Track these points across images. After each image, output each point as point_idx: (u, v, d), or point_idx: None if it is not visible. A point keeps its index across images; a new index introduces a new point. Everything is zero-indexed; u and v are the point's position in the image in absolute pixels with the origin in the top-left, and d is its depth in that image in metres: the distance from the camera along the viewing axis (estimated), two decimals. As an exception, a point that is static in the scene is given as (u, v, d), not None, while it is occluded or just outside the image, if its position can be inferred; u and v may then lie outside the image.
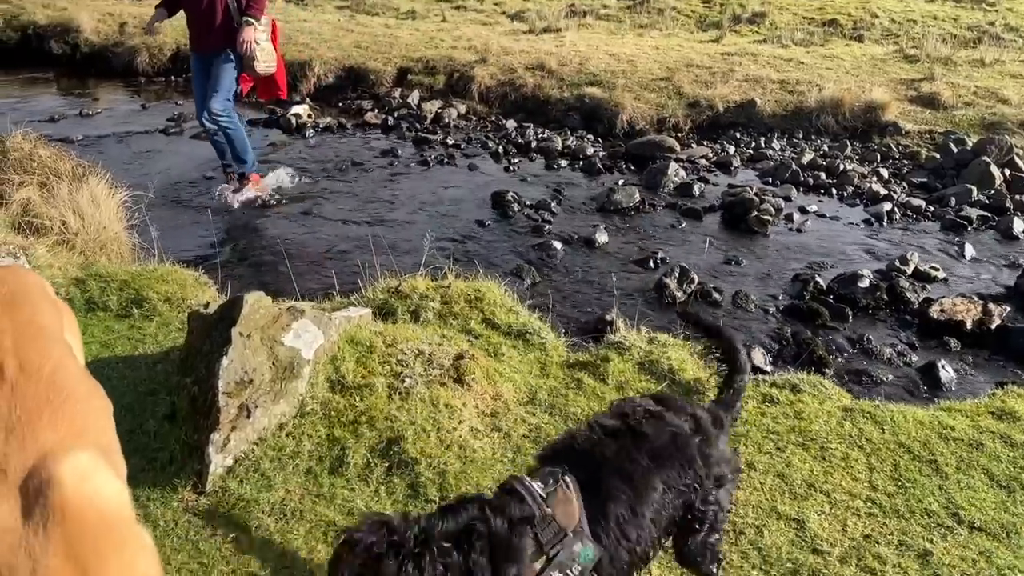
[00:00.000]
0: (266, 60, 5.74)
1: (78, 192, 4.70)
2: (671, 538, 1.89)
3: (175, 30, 10.43)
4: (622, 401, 1.97)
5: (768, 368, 3.96)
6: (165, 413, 2.77)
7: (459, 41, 10.37)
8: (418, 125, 8.50)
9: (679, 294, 4.80)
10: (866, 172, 7.36)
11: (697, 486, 1.81)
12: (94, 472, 1.35)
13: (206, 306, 2.95)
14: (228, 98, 5.77)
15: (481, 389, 2.94)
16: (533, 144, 7.99)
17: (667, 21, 13.22)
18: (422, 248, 4.44)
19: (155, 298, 3.50)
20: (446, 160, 7.48)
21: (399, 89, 9.33)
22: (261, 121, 8.41)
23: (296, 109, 8.53)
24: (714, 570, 1.96)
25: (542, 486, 1.65)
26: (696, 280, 4.91)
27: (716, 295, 4.82)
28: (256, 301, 2.80)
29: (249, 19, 5.53)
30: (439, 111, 8.81)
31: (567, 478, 1.67)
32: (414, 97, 9.13)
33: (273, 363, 2.72)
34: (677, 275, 4.92)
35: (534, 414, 2.92)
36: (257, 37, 5.61)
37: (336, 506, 2.45)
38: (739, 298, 4.83)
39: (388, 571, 1.39)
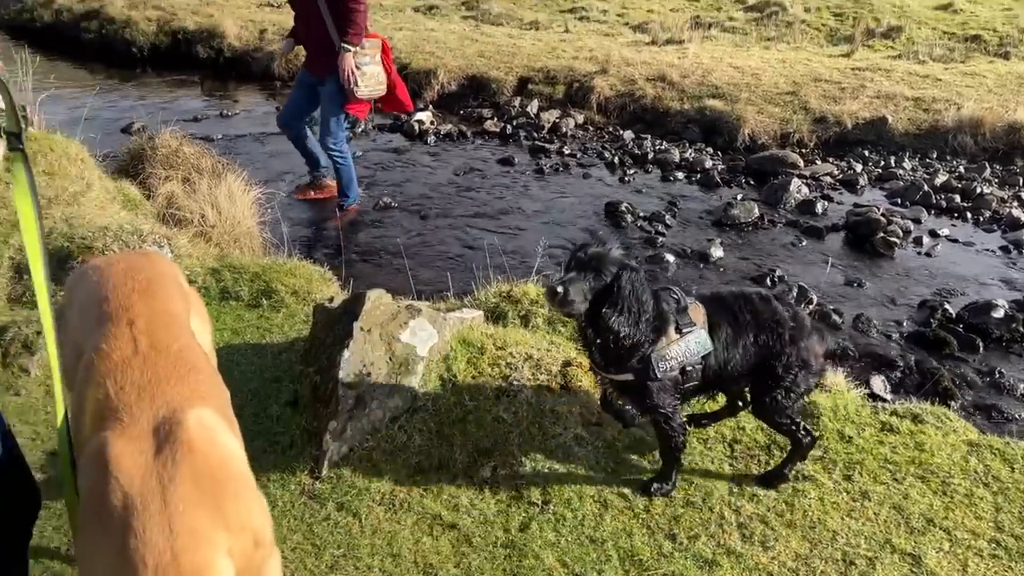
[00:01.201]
0: (368, 84, 5.49)
1: (217, 188, 5.02)
2: (750, 386, 2.61)
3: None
4: (747, 291, 2.65)
5: (888, 396, 3.80)
6: (288, 400, 2.92)
7: (580, 52, 10.42)
8: (536, 134, 8.59)
9: (795, 314, 4.66)
10: (1006, 196, 6.93)
11: (777, 351, 2.48)
12: (217, 425, 1.49)
13: (330, 300, 3.10)
14: (336, 130, 5.71)
15: (587, 398, 2.96)
16: (650, 155, 7.93)
17: (795, 34, 12.85)
18: (534, 255, 4.50)
19: (283, 290, 3.70)
20: (561, 169, 7.53)
21: (519, 98, 9.46)
22: (386, 126, 8.71)
23: (419, 116, 8.79)
24: (781, 421, 2.56)
25: (686, 295, 2.52)
26: (815, 301, 4.76)
27: (836, 317, 4.65)
28: (377, 298, 2.92)
29: (346, 46, 5.31)
30: (557, 120, 8.89)
31: (699, 302, 2.52)
32: (533, 106, 9.24)
33: (390, 358, 2.83)
34: (795, 294, 4.78)
35: (640, 427, 2.92)
36: (359, 61, 5.40)
37: (442, 501, 2.52)
38: (860, 322, 4.65)
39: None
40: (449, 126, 8.74)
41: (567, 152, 8.04)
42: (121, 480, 1.28)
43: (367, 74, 5.46)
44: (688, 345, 2.40)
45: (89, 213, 4.02)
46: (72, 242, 3.65)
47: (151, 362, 1.54)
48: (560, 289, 2.19)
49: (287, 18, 12.01)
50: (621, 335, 2.28)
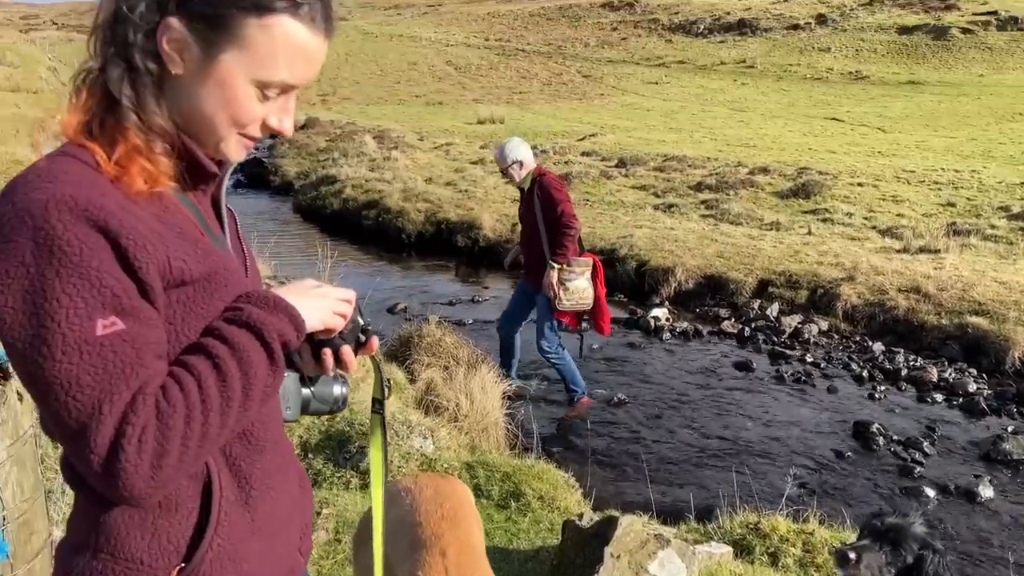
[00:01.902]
0: (571, 298, 5.86)
1: (471, 378, 5.40)
2: None
3: (557, 231, 11.78)
4: None
5: None
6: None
7: (824, 256, 10.27)
8: (775, 338, 8.44)
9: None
10: None
11: None
12: None
13: (580, 517, 3.17)
14: (550, 336, 6.11)
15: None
16: (903, 371, 7.46)
17: (1071, 245, 11.80)
18: (779, 476, 4.33)
19: (530, 494, 3.84)
20: (803, 378, 7.28)
21: (758, 300, 9.41)
22: (623, 320, 8.99)
23: (656, 312, 9.00)
24: None
25: None
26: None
27: None
28: (628, 524, 2.95)
29: (552, 263, 5.76)
30: (799, 326, 8.69)
31: None
32: (773, 309, 9.13)
33: (638, 588, 2.81)
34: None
35: None
36: (564, 277, 5.80)
37: None
38: None
39: None
40: (685, 324, 8.84)
41: (810, 360, 7.78)
42: None
43: (571, 288, 5.83)
44: None
45: (366, 399, 4.49)
46: (352, 427, 4.08)
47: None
48: (852, 555, 2.07)
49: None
50: None
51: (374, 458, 1.53)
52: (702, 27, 48.02)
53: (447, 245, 12.74)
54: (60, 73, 33.18)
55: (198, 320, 1.09)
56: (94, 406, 0.95)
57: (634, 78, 39.80)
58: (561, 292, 5.80)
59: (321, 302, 1.20)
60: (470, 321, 8.77)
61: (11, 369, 2.20)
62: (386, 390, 1.52)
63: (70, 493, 3.16)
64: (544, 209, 5.85)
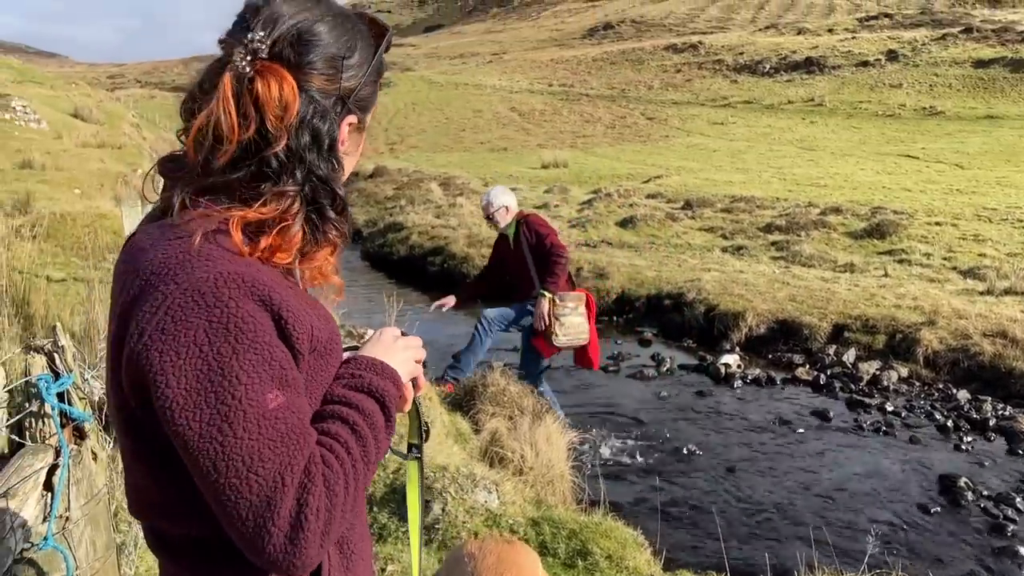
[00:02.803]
0: (568, 335, 5.86)
1: (536, 429, 5.32)
2: None
3: (621, 275, 11.68)
4: None
5: None
6: None
7: (903, 299, 9.89)
8: (852, 386, 8.12)
9: None
10: None
11: None
12: None
13: (649, 580, 3.04)
14: (533, 366, 6.26)
15: None
16: (991, 421, 7.07)
17: None
18: (858, 532, 4.11)
19: (598, 553, 3.72)
20: (883, 429, 6.96)
21: (833, 346, 9.10)
22: (691, 367, 8.79)
23: (726, 359, 8.77)
24: None
25: None
26: None
27: None
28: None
29: (543, 292, 5.79)
30: (877, 372, 8.35)
31: None
32: (849, 355, 8.81)
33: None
34: None
35: None
36: (558, 313, 5.79)
37: None
38: None
39: None
40: (757, 370, 8.59)
41: (890, 409, 7.45)
42: None
43: (566, 324, 5.85)
44: None
45: (431, 449, 4.45)
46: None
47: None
48: None
49: (601, 256, 13.00)
50: None
51: (412, 504, 1.52)
52: (768, 66, 47.66)
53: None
54: (142, 128, 34.88)
55: (321, 384, 1.13)
56: (276, 478, 0.96)
57: (699, 119, 39.63)
58: (557, 328, 5.80)
59: (405, 354, 1.27)
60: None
61: (87, 428, 2.24)
62: (424, 433, 1.52)
63: (142, 546, 3.19)
64: (534, 246, 5.98)
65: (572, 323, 5.91)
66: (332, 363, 1.15)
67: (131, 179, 19.32)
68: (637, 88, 49.08)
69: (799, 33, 55.74)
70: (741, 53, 51.40)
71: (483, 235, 14.78)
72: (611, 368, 8.73)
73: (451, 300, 6.54)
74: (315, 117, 1.11)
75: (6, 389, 1.89)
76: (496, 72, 59.35)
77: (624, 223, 16.09)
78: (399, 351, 1.26)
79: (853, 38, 50.19)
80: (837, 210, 15.99)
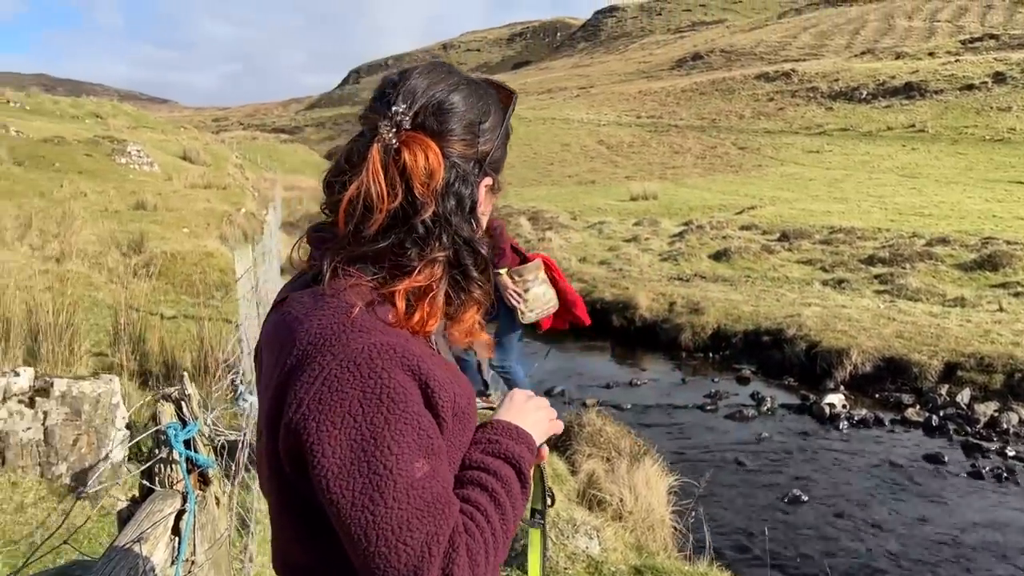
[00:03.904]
0: (534, 308, 5.48)
1: (635, 471, 5.22)
2: None
3: (717, 310, 11.43)
4: None
5: None
6: None
7: (1021, 336, 9.31)
8: (968, 428, 7.66)
9: None
10: None
11: None
12: None
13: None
14: (508, 349, 5.72)
15: None
16: None
17: None
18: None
19: (704, 606, 3.60)
20: (1005, 475, 6.53)
21: (945, 385, 8.62)
22: (793, 407, 8.49)
23: (830, 398, 8.43)
24: None
25: None
26: None
27: None
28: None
29: (497, 271, 5.32)
30: (995, 414, 7.86)
31: None
32: (964, 395, 8.32)
33: None
34: None
35: None
36: (516, 287, 5.43)
37: None
38: None
39: None
40: (864, 411, 8.21)
41: (1011, 454, 6.99)
42: None
43: (530, 298, 5.46)
44: None
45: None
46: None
47: None
48: None
49: (695, 291, 12.77)
50: None
51: (533, 572, 1.50)
52: (865, 93, 46.29)
53: (602, 325, 12.61)
54: (245, 169, 36.55)
55: (460, 448, 1.15)
56: (423, 547, 0.98)
57: (793, 148, 38.73)
58: (522, 305, 5.44)
59: (537, 415, 1.28)
60: (628, 405, 8.57)
61: (211, 474, 2.31)
62: (549, 499, 1.50)
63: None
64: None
65: (536, 295, 5.51)
66: (470, 427, 1.17)
67: (235, 218, 20.25)
68: (728, 118, 48.42)
69: (898, 58, 53.98)
70: (836, 80, 50.11)
71: (572, 269, 14.78)
72: (708, 407, 8.51)
73: None
74: (458, 182, 1.14)
75: (135, 441, 1.97)
76: (583, 106, 59.66)
77: (718, 256, 15.78)
78: (531, 413, 1.27)
79: (956, 61, 48.23)
80: (944, 241, 15.26)
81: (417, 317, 1.10)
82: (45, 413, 3.78)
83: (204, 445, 2.26)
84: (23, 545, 3.33)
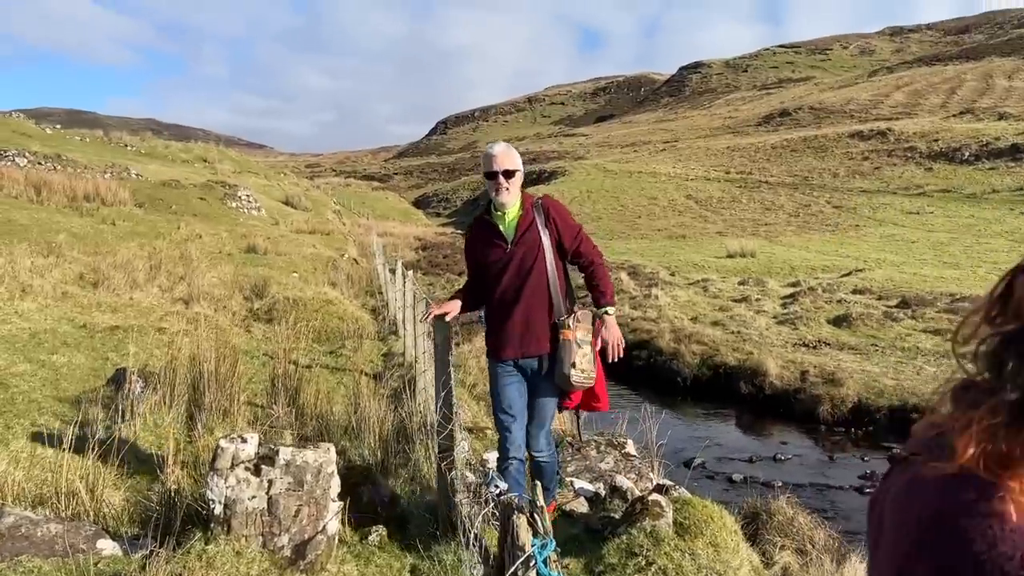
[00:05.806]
0: (585, 369, 3.86)
1: (843, 570, 4.79)
2: None
3: (855, 382, 10.85)
4: None
5: None
6: None
7: None
8: None
9: None
10: None
11: None
12: None
13: None
14: (549, 431, 4.16)
15: None
16: None
17: None
18: None
19: None
20: None
21: None
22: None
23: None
24: None
25: None
26: None
27: None
28: None
29: (607, 310, 4.00)
30: None
31: None
32: None
33: None
34: None
35: None
36: (579, 338, 3.88)
37: None
38: None
39: None
40: None
41: None
42: None
43: (588, 355, 3.89)
44: None
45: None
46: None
47: None
48: None
49: (826, 359, 12.20)
50: None
51: None
52: (967, 154, 44.80)
53: (725, 391, 12.16)
54: (342, 215, 37.42)
55: None
56: None
57: (891, 208, 37.58)
58: (577, 360, 3.86)
59: None
60: (778, 483, 8.09)
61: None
62: None
63: None
64: (561, 237, 3.97)
65: (586, 355, 3.89)
66: None
67: (339, 263, 20.59)
68: (821, 176, 47.46)
69: (1000, 118, 52.28)
70: (936, 140, 48.71)
71: (688, 330, 14.36)
72: (868, 489, 7.97)
73: (455, 306, 4.09)
74: None
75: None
76: (670, 160, 59.43)
77: (838, 321, 15.15)
78: None
79: (1067, 122, 46.43)
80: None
81: None
82: (270, 482, 3.66)
83: (554, 561, 2.04)
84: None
